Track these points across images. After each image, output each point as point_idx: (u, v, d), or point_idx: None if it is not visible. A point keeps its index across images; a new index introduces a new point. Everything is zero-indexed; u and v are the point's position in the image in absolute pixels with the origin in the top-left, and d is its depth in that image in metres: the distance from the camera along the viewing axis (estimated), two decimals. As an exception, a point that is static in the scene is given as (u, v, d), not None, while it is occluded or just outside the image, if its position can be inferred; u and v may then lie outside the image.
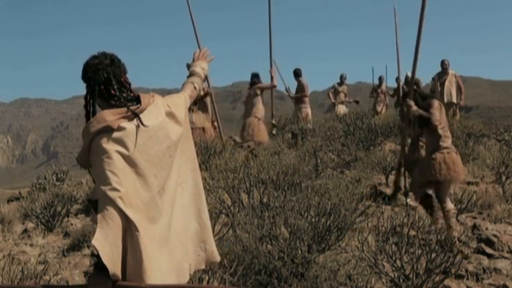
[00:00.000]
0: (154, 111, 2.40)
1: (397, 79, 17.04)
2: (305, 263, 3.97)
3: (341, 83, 14.76)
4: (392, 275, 3.93)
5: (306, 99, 11.65)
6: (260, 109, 10.28)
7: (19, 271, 4.06)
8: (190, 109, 8.25)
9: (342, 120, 11.28)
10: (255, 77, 10.40)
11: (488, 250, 4.99)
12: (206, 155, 7.80)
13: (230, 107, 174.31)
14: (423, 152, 6.86)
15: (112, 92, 2.35)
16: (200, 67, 2.88)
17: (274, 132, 11.37)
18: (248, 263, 3.89)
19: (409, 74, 14.39)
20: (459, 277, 4.55)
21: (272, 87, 10.37)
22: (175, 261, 2.41)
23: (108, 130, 2.23)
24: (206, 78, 8.56)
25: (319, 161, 8.00)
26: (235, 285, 3.61)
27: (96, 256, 2.13)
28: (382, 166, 7.89)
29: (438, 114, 5.54)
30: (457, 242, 4.43)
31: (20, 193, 10.41)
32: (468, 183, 7.89)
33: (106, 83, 2.34)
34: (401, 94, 17.15)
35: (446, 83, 11.74)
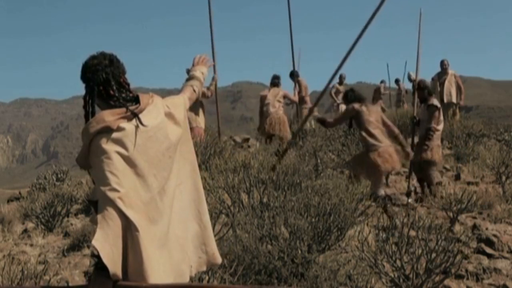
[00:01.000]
0: (153, 111, 2.41)
1: (397, 82, 17.13)
2: (305, 263, 3.97)
3: (340, 83, 14.78)
4: (392, 275, 3.93)
5: (307, 99, 11.79)
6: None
7: (19, 271, 4.06)
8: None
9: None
10: (276, 78, 10.51)
11: (488, 250, 4.99)
12: (206, 155, 7.80)
13: (230, 107, 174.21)
14: (429, 154, 6.91)
15: (111, 92, 2.35)
16: (200, 71, 2.94)
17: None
18: (248, 263, 3.89)
19: (412, 74, 14.46)
20: (459, 277, 4.55)
21: (293, 101, 11.15)
22: (173, 263, 2.41)
23: (107, 131, 2.23)
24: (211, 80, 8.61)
25: (319, 161, 7.99)
26: (235, 285, 3.61)
27: (96, 257, 2.13)
28: (382, 166, 7.88)
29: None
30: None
31: (20, 193, 10.41)
32: (468, 183, 7.90)
33: (105, 83, 2.35)
34: (402, 94, 17.15)
35: (446, 83, 11.74)
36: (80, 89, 2.39)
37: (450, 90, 11.75)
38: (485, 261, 4.81)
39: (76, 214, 7.62)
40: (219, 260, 2.68)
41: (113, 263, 2.11)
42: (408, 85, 16.10)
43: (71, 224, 6.95)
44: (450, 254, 3.88)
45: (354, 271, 3.97)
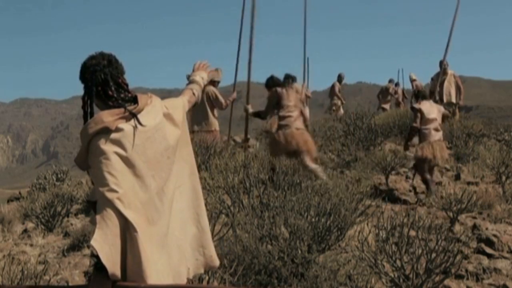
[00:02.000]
0: (151, 112, 2.40)
1: (397, 83, 17.15)
2: (305, 263, 3.97)
3: (340, 81, 14.80)
4: (392, 275, 3.93)
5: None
6: None
7: (19, 271, 4.06)
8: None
9: (342, 120, 11.29)
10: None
11: (488, 250, 4.99)
12: (206, 155, 7.79)
13: (230, 107, 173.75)
14: (419, 151, 7.07)
15: (110, 93, 2.35)
16: (200, 76, 2.96)
17: None
18: (248, 263, 3.89)
19: (412, 75, 14.48)
20: (459, 277, 4.54)
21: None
22: (172, 264, 2.41)
23: (106, 131, 2.23)
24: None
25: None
26: (235, 285, 3.61)
27: (95, 257, 2.14)
28: (382, 166, 7.89)
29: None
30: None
31: (20, 193, 10.40)
32: (468, 183, 7.90)
33: (103, 84, 2.35)
34: (401, 94, 17.23)
35: (445, 83, 11.75)
36: (80, 89, 2.40)
37: (449, 90, 11.77)
38: (485, 261, 4.80)
39: (76, 214, 7.62)
40: (217, 262, 2.68)
41: (112, 263, 2.12)
42: (407, 85, 16.16)
43: (71, 224, 6.94)
44: (450, 254, 3.88)
45: (354, 271, 3.97)
